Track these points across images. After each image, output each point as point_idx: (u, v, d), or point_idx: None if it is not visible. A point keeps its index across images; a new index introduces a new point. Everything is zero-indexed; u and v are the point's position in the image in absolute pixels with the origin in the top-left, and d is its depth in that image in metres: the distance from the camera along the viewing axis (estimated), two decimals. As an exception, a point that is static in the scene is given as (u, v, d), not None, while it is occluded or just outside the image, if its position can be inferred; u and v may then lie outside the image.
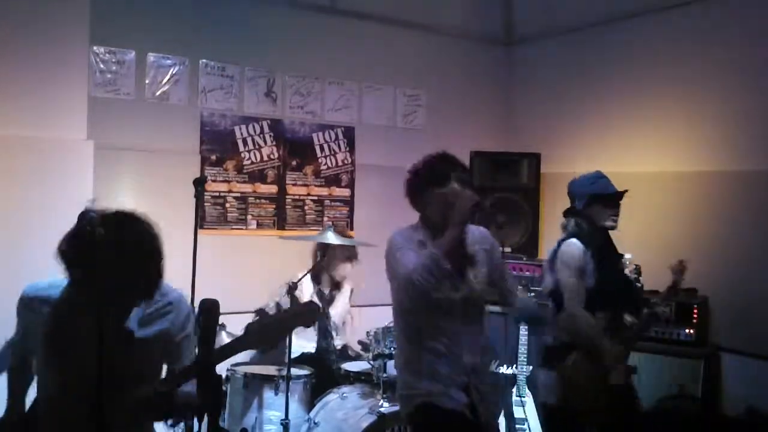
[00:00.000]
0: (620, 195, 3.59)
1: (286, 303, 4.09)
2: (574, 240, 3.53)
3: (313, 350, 4.54)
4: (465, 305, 3.02)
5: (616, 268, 3.70)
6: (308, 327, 2.64)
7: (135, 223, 2.14)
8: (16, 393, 2.43)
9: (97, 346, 1.95)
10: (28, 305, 2.27)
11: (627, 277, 3.77)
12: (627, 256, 4.54)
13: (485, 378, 3.15)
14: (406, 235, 3.08)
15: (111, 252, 2.02)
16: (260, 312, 4.11)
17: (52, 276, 2.24)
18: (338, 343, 4.67)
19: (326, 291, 4.67)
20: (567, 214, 3.66)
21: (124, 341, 2.22)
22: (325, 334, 4.55)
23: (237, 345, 2.29)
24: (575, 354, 3.51)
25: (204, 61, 4.92)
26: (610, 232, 3.64)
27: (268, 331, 2.26)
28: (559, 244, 3.60)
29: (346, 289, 4.77)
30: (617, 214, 3.58)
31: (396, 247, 3.02)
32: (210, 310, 2.12)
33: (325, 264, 4.58)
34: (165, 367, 2.39)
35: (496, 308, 4.60)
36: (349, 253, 4.61)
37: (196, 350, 2.15)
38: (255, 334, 2.26)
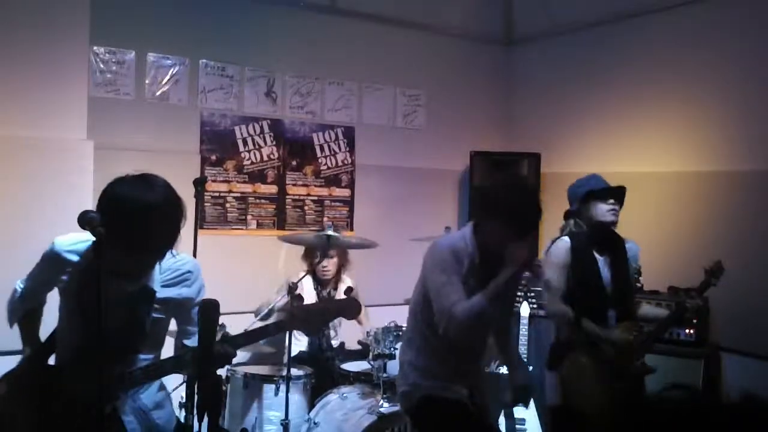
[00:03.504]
0: (615, 190, 3.59)
1: (284, 303, 4.09)
2: (563, 238, 3.59)
3: (305, 347, 4.54)
4: (487, 326, 3.15)
5: (617, 267, 3.69)
6: (350, 320, 2.79)
7: (156, 184, 2.28)
8: (29, 341, 2.56)
9: (120, 301, 2.05)
10: (56, 257, 2.38)
11: (626, 277, 3.77)
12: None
13: (487, 382, 3.23)
14: (457, 250, 3.00)
15: (136, 212, 2.14)
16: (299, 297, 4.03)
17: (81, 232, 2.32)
18: (335, 342, 4.67)
19: (324, 290, 4.67)
20: (566, 215, 3.69)
21: (147, 299, 2.35)
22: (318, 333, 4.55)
23: (279, 326, 2.35)
24: (573, 354, 3.52)
25: (204, 61, 4.91)
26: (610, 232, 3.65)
27: (310, 318, 2.32)
28: (553, 242, 3.65)
29: (343, 286, 4.77)
30: (616, 208, 3.56)
31: (441, 266, 2.97)
32: (210, 310, 2.13)
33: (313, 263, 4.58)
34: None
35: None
36: (334, 251, 4.58)
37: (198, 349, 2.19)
38: (298, 319, 2.32)
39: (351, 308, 2.43)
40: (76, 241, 2.38)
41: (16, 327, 2.59)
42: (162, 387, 2.54)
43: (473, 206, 3.14)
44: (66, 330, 2.44)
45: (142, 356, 2.39)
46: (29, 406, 2.37)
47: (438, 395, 3.09)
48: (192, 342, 2.49)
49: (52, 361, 2.51)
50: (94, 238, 2.20)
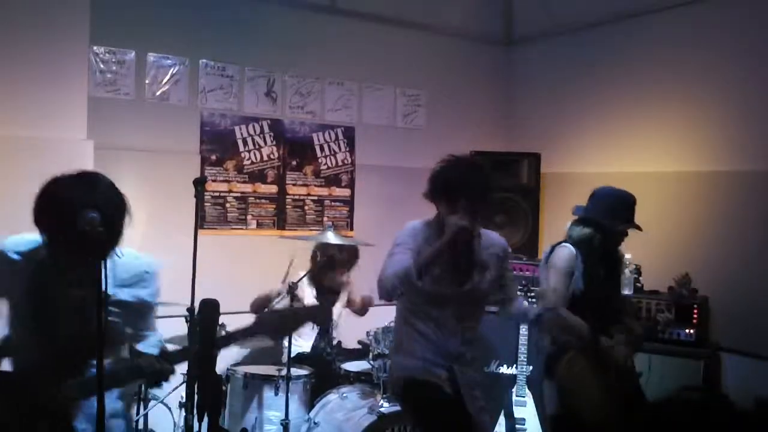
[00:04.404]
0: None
1: (285, 303, 4.09)
2: (566, 245, 3.57)
3: (308, 350, 4.54)
4: (463, 301, 3.16)
5: (613, 279, 3.71)
6: (321, 326, 2.78)
7: (96, 183, 2.18)
8: None
9: (70, 305, 1.99)
10: (2, 258, 2.30)
11: (618, 283, 3.80)
12: (627, 256, 4.55)
13: (472, 370, 3.23)
14: (416, 230, 3.18)
15: (81, 209, 2.03)
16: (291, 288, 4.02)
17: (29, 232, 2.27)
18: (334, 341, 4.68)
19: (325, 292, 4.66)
20: (585, 222, 3.63)
21: (99, 302, 2.18)
22: (322, 334, 4.56)
23: (247, 332, 2.31)
24: (569, 354, 3.52)
25: (204, 61, 4.91)
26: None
27: (280, 322, 2.29)
28: (552, 248, 3.62)
29: (345, 291, 4.76)
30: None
31: (396, 241, 3.14)
32: (210, 310, 2.13)
33: (319, 270, 4.55)
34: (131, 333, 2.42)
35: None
36: (341, 263, 4.56)
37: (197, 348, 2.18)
38: (267, 323, 2.29)
39: (321, 314, 2.42)
40: (23, 240, 2.29)
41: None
42: (121, 397, 2.45)
43: (428, 197, 3.23)
44: (18, 336, 2.33)
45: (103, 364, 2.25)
46: None
47: (414, 378, 3.15)
48: (145, 346, 2.41)
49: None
50: (41, 239, 2.13)
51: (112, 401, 2.37)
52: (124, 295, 2.32)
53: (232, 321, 3.75)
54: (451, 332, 3.15)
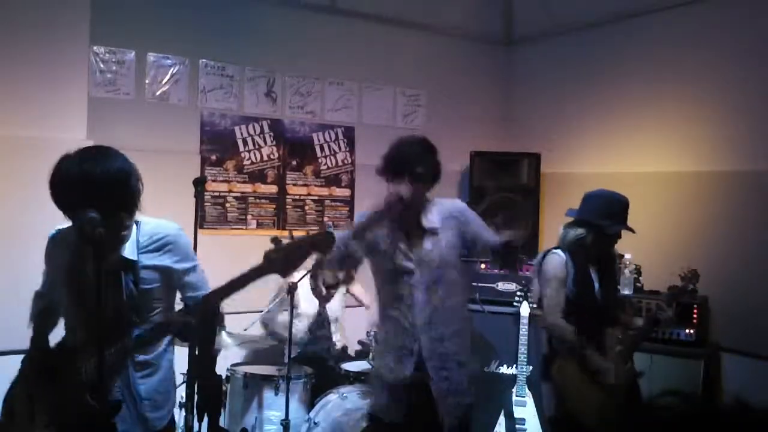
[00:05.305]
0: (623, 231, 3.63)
1: (285, 303, 4.09)
2: (557, 251, 3.55)
3: (304, 331, 4.52)
4: (420, 271, 3.18)
5: (608, 280, 3.70)
6: (324, 254, 2.85)
7: (107, 153, 2.30)
8: (39, 332, 2.55)
9: (101, 278, 2.04)
10: (50, 248, 2.47)
11: (614, 286, 3.79)
12: (627, 256, 4.56)
13: (443, 347, 3.22)
14: (364, 215, 3.29)
15: (90, 182, 2.16)
16: (275, 240, 4.04)
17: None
18: (338, 342, 4.67)
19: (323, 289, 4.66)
20: (577, 224, 3.61)
21: (129, 270, 2.34)
22: (317, 322, 4.55)
23: (257, 272, 2.35)
24: (562, 362, 3.52)
25: (204, 61, 4.92)
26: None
27: (287, 257, 2.33)
28: (544, 255, 3.61)
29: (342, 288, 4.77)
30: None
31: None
32: (210, 309, 2.13)
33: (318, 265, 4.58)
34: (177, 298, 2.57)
35: (498, 308, 4.61)
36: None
37: (197, 346, 2.19)
38: (275, 260, 2.32)
39: (324, 242, 2.42)
40: (66, 229, 2.42)
41: (15, 324, 2.59)
42: (165, 380, 2.52)
43: None
44: (65, 313, 2.48)
45: (137, 330, 2.38)
46: (40, 388, 2.39)
47: (379, 377, 3.28)
48: (194, 298, 2.50)
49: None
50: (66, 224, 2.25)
51: (153, 385, 2.47)
52: (150, 261, 2.40)
53: (233, 321, 3.78)
54: (416, 306, 3.18)
